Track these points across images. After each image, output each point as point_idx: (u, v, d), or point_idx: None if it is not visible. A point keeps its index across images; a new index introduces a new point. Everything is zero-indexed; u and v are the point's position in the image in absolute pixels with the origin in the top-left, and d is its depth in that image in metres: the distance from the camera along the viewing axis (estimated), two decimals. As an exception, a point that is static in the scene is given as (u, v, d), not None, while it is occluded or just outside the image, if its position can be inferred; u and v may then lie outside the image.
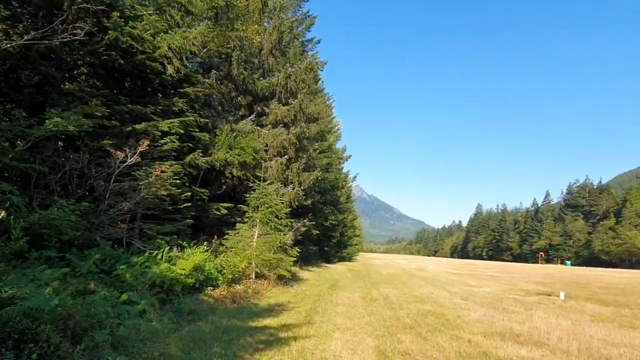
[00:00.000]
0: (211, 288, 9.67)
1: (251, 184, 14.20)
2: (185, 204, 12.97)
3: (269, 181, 14.66)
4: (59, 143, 10.72)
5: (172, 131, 12.42)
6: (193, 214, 14.01)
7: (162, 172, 11.15)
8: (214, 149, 16.32)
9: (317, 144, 24.76)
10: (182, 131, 12.79)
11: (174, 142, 12.20)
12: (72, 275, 6.25)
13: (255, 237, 13.11)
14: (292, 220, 15.80)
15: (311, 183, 20.11)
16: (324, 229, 33.34)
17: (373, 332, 7.23)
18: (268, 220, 13.04)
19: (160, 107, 13.05)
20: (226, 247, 13.74)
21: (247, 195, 13.65)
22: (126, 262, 7.84)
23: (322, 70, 24.45)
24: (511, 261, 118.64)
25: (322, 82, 28.10)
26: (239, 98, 19.14)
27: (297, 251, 14.38)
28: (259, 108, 19.82)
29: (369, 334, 7.01)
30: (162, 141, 12.25)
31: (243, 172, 16.52)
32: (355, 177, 48.81)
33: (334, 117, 34.55)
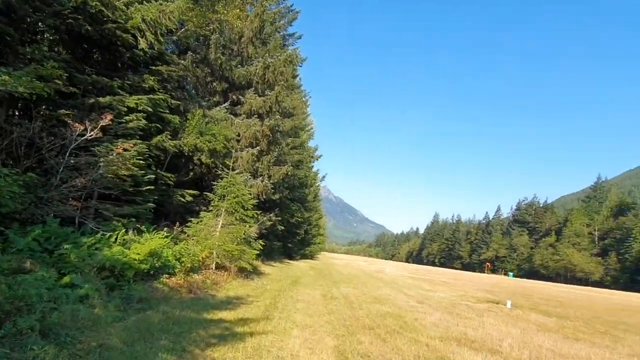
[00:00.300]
0: (167, 276, 8.92)
1: (220, 173, 13.46)
2: (148, 187, 12.09)
3: (238, 171, 13.96)
4: (12, 110, 9.63)
5: (139, 108, 11.54)
6: (156, 198, 13.13)
7: (124, 150, 10.27)
8: (184, 133, 15.43)
9: (290, 139, 24.20)
10: (150, 109, 11.91)
11: (141, 120, 11.33)
12: (5, 251, 5.41)
13: (219, 226, 12.42)
14: (258, 213, 15.18)
15: (281, 177, 19.54)
16: (289, 226, 32.80)
17: (333, 331, 6.83)
18: (234, 210, 12.38)
19: (129, 82, 12.11)
20: (188, 235, 12.96)
21: (215, 183, 12.91)
22: (74, 241, 7.00)
23: (301, 66, 23.97)
24: (461, 269, 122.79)
25: (300, 78, 27.60)
26: (214, 84, 18.27)
27: (260, 245, 13.81)
28: (234, 96, 19.02)
29: (329, 333, 6.61)
30: (127, 118, 11.34)
31: (212, 159, 15.74)
32: (324, 176, 48.52)
33: (309, 114, 34.09)
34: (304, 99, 29.45)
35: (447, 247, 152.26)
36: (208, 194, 12.97)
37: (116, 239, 8.62)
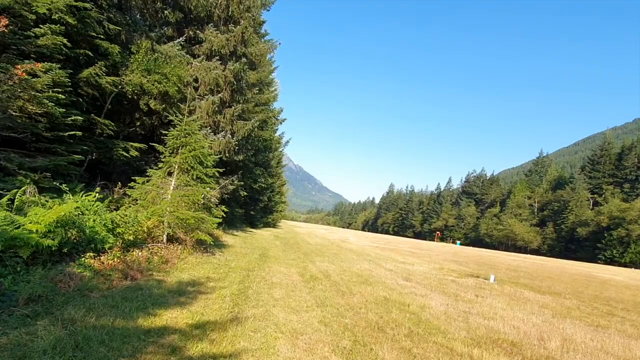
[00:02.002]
0: (92, 254, 6.17)
1: (174, 124, 10.48)
2: (73, 133, 8.97)
3: (195, 121, 11.02)
4: None
5: (54, 17, 8.19)
6: (86, 148, 10.01)
7: (29, 74, 7.09)
8: (127, 70, 12.07)
9: (254, 93, 21.02)
10: (72, 23, 8.59)
11: (57, 35, 8.04)
12: None
13: (171, 188, 9.63)
14: (219, 174, 12.44)
15: (246, 134, 16.66)
16: (252, 192, 30.15)
17: (334, 339, 4.62)
18: (189, 168, 9.60)
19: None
20: (132, 199, 10.07)
21: (166, 132, 9.95)
22: None
23: (268, 10, 20.45)
24: (412, 237, 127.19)
25: (265, 23, 23.84)
26: (166, 12, 14.64)
27: (223, 211, 11.21)
28: (190, 32, 15.52)
29: (330, 345, 4.39)
30: (36, 30, 8.02)
31: (164, 105, 12.61)
32: (288, 141, 45.70)
33: (274, 69, 30.65)
34: (270, 51, 25.82)
35: (400, 216, 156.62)
36: (156, 145, 10.01)
37: (11, 200, 5.72)
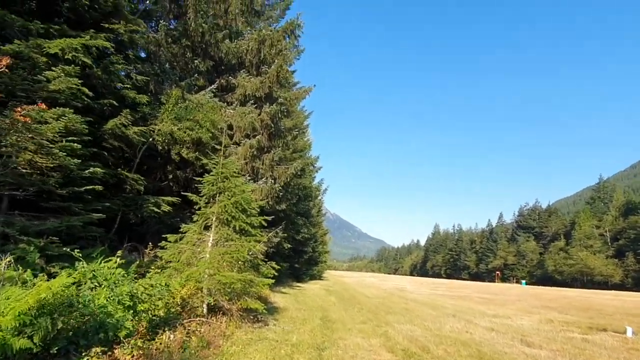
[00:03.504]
0: (101, 349, 4.22)
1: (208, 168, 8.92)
2: (92, 187, 7.53)
3: (233, 162, 9.42)
4: None
5: (67, 57, 7.03)
6: (109, 205, 8.54)
7: (35, 120, 5.80)
8: (156, 119, 10.97)
9: (291, 137, 19.68)
10: (87, 61, 7.45)
11: (72, 77, 6.86)
12: None
13: (210, 245, 7.79)
14: (265, 226, 10.57)
15: (288, 179, 14.95)
16: (296, 243, 28.07)
17: None
18: (230, 218, 7.76)
19: (58, 29, 7.72)
20: (164, 262, 8.29)
21: (201, 179, 8.32)
22: None
23: (298, 59, 19.58)
24: (468, 279, 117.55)
25: (295, 71, 23.09)
26: (197, 62, 13.87)
27: (274, 268, 9.11)
28: (222, 80, 14.60)
29: None
30: (48, 73, 6.85)
31: (197, 153, 11.23)
32: (326, 189, 44.13)
33: (309, 115, 29.79)
34: (305, 95, 24.99)
35: (451, 257, 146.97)
36: (190, 195, 8.35)
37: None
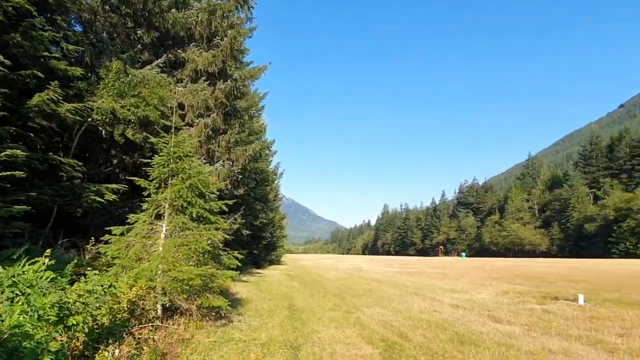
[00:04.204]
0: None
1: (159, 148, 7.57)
2: (11, 173, 6.00)
3: (186, 139, 8.15)
4: None
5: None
6: (36, 195, 7.02)
7: None
8: (94, 96, 9.29)
9: (246, 117, 18.28)
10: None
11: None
12: None
13: (163, 236, 6.60)
14: (227, 211, 9.42)
15: (247, 161, 13.78)
16: (254, 229, 26.88)
17: None
18: (186, 204, 6.61)
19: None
20: (109, 258, 6.96)
21: (151, 161, 7.00)
22: None
23: (250, 37, 17.91)
24: (415, 255, 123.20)
25: (249, 50, 21.34)
26: (140, 32, 12.05)
27: (236, 258, 8.06)
28: (170, 55, 12.91)
29: None
30: None
31: (144, 134, 9.74)
32: (282, 173, 42.96)
33: (264, 95, 28.27)
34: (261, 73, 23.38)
35: (399, 235, 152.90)
36: (137, 179, 7.02)
37: None
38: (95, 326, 4.72)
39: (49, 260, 5.04)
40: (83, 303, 4.27)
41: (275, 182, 40.85)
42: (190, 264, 6.50)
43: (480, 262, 46.21)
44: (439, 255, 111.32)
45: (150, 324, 5.54)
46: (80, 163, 8.85)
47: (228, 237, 15.10)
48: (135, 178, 6.94)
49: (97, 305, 4.40)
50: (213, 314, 7.45)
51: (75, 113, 8.30)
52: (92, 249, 9.03)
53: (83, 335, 4.41)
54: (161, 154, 6.71)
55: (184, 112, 12.70)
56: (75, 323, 3.93)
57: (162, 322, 5.94)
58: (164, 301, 6.16)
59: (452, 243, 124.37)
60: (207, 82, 12.37)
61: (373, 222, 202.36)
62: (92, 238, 9.09)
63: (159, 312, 6.17)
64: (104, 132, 10.10)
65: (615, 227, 68.86)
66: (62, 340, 4.00)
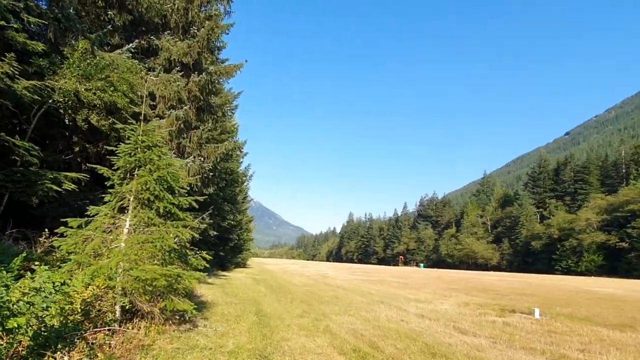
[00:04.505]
0: None
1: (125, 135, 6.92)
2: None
3: (156, 129, 7.56)
4: None
5: None
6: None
7: None
8: (56, 75, 8.46)
9: (220, 113, 17.62)
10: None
11: None
12: None
13: (125, 231, 5.97)
14: (197, 208, 8.84)
15: (217, 159, 13.16)
16: (221, 230, 25.94)
17: None
18: (153, 198, 6.02)
19: None
20: (64, 253, 6.21)
21: (116, 149, 6.36)
22: None
23: (227, 33, 17.23)
24: (377, 264, 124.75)
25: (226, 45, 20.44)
26: (111, 13, 11.22)
27: (204, 259, 7.50)
28: (143, 41, 12.15)
29: None
30: None
31: (110, 120, 8.98)
32: (252, 175, 42.04)
33: (238, 94, 27.58)
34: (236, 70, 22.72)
35: (363, 244, 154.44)
36: (99, 168, 6.34)
37: None
38: (42, 329, 4.10)
39: (-8, 253, 4.36)
40: (28, 302, 3.66)
41: (245, 183, 39.87)
42: (155, 262, 5.92)
43: (438, 273, 47.40)
44: (398, 265, 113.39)
45: (107, 328, 4.92)
46: (37, 147, 7.98)
47: (196, 236, 14.39)
48: (98, 166, 6.26)
49: (45, 305, 3.79)
50: (177, 317, 6.86)
51: (33, 92, 7.47)
52: (45, 242, 8.14)
53: (27, 339, 3.79)
54: (128, 141, 6.10)
55: (154, 103, 11.96)
56: (16, 326, 3.33)
57: (120, 326, 5.32)
58: (124, 302, 5.53)
59: (412, 253, 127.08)
60: (180, 74, 11.72)
61: (338, 230, 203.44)
62: (46, 230, 8.21)
63: (118, 314, 5.53)
64: (66, 117, 9.22)
65: (558, 245, 73.24)
66: (2, 345, 3.40)
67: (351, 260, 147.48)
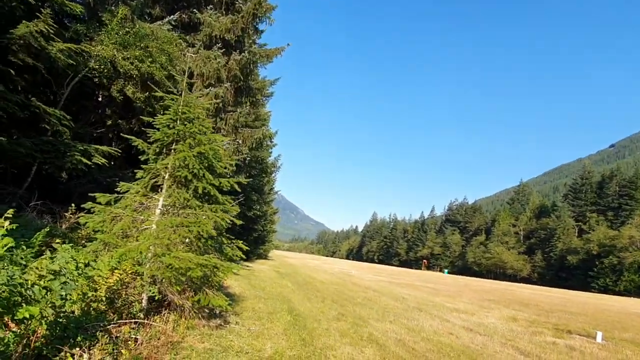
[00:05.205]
0: None
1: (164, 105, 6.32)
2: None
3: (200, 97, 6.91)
4: None
5: None
6: (7, 145, 5.74)
7: None
8: (93, 42, 8.00)
9: (259, 96, 17.05)
10: None
11: None
12: None
13: (158, 211, 5.37)
14: (239, 192, 8.20)
15: (254, 144, 12.56)
16: (247, 220, 25.62)
17: None
18: (191, 176, 5.37)
19: None
20: (90, 231, 5.70)
21: (154, 120, 5.75)
22: None
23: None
24: (398, 266, 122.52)
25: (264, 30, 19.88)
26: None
27: (240, 249, 6.86)
28: (184, 15, 11.63)
29: None
30: None
31: (147, 93, 8.47)
32: (280, 166, 41.60)
33: (275, 81, 26.97)
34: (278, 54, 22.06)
35: (385, 244, 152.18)
36: (135, 139, 5.75)
37: None
38: (61, 316, 3.49)
39: (10, 224, 3.79)
40: (44, 288, 3.03)
41: (273, 174, 39.54)
42: (189, 250, 5.28)
43: (465, 281, 45.50)
44: (421, 269, 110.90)
45: (133, 320, 4.31)
46: (68, 117, 7.57)
47: (237, 222, 13.93)
48: (133, 138, 5.67)
49: (64, 293, 3.16)
50: (206, 311, 6.23)
51: (68, 56, 7.01)
52: (70, 217, 7.75)
53: (43, 329, 3.19)
54: (167, 112, 5.46)
55: (192, 81, 11.44)
56: (27, 317, 2.69)
57: (147, 318, 4.71)
58: (153, 292, 4.92)
59: (436, 258, 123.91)
60: (221, 51, 11.13)
61: (360, 229, 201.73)
62: (73, 205, 7.81)
63: (144, 303, 4.93)
64: (100, 91, 8.83)
65: (597, 262, 68.90)
66: (6, 335, 2.78)
67: (372, 260, 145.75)
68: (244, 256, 6.66)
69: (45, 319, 3.02)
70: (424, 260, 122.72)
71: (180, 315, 5.30)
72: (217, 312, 6.38)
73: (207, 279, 5.30)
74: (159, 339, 4.35)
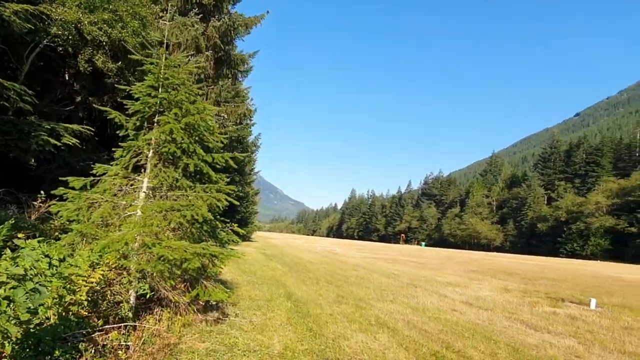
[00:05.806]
0: None
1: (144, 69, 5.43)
2: None
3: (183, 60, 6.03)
4: None
5: None
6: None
7: None
8: (54, 3, 6.86)
9: (242, 68, 15.95)
10: None
11: None
12: None
13: (142, 195, 4.63)
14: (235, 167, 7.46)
15: (238, 120, 11.71)
16: (229, 202, 24.70)
17: None
18: (180, 152, 4.63)
19: None
20: (64, 220, 4.87)
21: (130, 88, 4.89)
22: None
23: None
24: (377, 241, 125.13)
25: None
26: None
27: (237, 232, 6.21)
28: (158, -21, 10.37)
29: None
30: None
31: (119, 62, 7.46)
32: (260, 145, 40.44)
33: (254, 53, 25.60)
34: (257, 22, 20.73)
35: (364, 220, 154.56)
36: (111, 112, 4.87)
37: None
38: (32, 330, 2.80)
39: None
40: (5, 298, 2.32)
41: (253, 154, 38.37)
42: (181, 238, 4.61)
43: (445, 253, 46.74)
44: (399, 243, 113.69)
45: (122, 324, 3.65)
46: (30, 92, 6.52)
47: (235, 203, 13.13)
48: (108, 109, 4.80)
49: (31, 306, 2.45)
50: (201, 303, 5.62)
51: (25, 19, 5.92)
52: (40, 206, 6.82)
53: (8, 350, 2.50)
54: (147, 77, 4.62)
55: (168, 52, 10.35)
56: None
57: (137, 318, 4.06)
58: (143, 289, 4.25)
59: (413, 232, 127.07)
60: (199, 17, 10.03)
61: (339, 206, 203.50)
62: (42, 192, 6.87)
63: (132, 301, 4.26)
64: (67, 59, 7.70)
65: (565, 228, 72.55)
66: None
67: (351, 237, 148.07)
68: (239, 240, 6.02)
69: (8, 339, 2.33)
70: (402, 235, 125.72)
71: (175, 311, 4.68)
72: (214, 303, 5.79)
73: (205, 269, 4.67)
74: (153, 344, 3.73)
